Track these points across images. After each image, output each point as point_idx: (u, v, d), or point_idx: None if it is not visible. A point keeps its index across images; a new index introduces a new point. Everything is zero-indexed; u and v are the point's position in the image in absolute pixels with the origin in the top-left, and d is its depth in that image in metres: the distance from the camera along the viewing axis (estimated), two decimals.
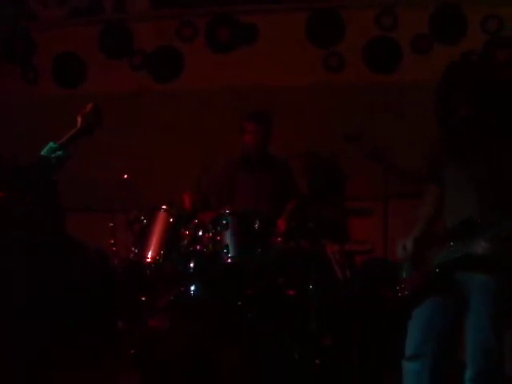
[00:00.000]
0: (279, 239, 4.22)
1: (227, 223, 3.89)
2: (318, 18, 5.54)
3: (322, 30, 5.53)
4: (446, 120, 2.76)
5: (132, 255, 3.97)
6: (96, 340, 4.54)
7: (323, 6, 5.52)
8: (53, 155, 3.05)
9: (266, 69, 5.60)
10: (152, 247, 3.94)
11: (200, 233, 3.94)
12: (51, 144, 3.11)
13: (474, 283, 2.63)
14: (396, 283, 2.92)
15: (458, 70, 2.76)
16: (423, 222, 2.96)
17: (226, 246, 3.86)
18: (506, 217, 2.52)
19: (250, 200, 4.48)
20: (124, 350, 4.14)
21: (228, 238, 3.88)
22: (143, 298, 4.26)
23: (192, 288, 3.87)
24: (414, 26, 5.43)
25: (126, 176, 4.42)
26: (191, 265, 3.89)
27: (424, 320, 2.77)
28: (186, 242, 3.93)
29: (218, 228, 3.90)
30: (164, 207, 4.05)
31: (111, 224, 4.45)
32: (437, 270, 2.69)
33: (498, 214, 2.56)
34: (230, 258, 3.86)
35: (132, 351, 3.90)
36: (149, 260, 3.93)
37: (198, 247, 3.91)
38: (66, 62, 5.90)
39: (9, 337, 4.48)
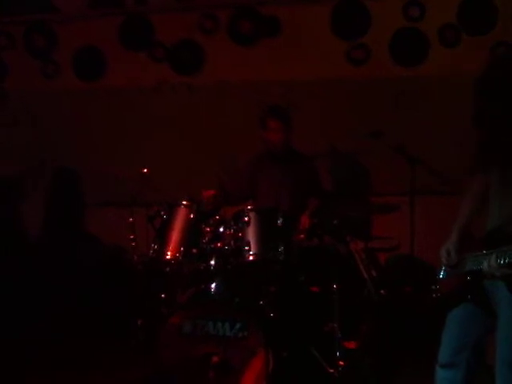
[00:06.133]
0: (302, 236, 4.11)
1: (249, 220, 3.78)
2: (343, 9, 5.41)
3: (347, 22, 5.41)
4: (480, 119, 2.60)
5: (151, 252, 3.88)
6: (112, 337, 4.51)
7: None
8: None
9: (289, 62, 5.50)
10: (172, 244, 3.85)
11: (221, 229, 3.84)
12: None
13: (500, 294, 2.49)
14: (431, 283, 2.83)
15: (500, 66, 2.54)
16: (464, 220, 2.77)
17: (248, 243, 3.75)
18: None
19: (272, 195, 4.40)
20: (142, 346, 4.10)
21: (250, 235, 3.78)
22: (163, 295, 4.19)
23: (213, 286, 3.76)
24: (441, 16, 5.29)
25: (145, 170, 4.35)
26: (212, 262, 3.79)
27: (458, 329, 2.67)
28: (206, 238, 3.83)
29: (240, 224, 3.79)
30: (185, 203, 3.95)
31: (131, 219, 4.39)
32: (468, 278, 2.59)
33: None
34: (251, 255, 3.75)
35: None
36: (168, 257, 3.84)
37: (219, 244, 3.81)
38: (86, 55, 5.86)
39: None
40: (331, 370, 3.80)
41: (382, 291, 4.30)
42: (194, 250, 3.84)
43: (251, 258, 3.75)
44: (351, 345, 4.04)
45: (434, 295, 2.83)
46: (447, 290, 2.74)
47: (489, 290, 2.54)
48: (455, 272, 2.68)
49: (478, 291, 2.56)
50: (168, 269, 3.99)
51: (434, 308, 2.87)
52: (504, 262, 2.32)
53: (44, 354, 4.33)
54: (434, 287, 2.82)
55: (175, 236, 3.87)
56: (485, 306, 2.57)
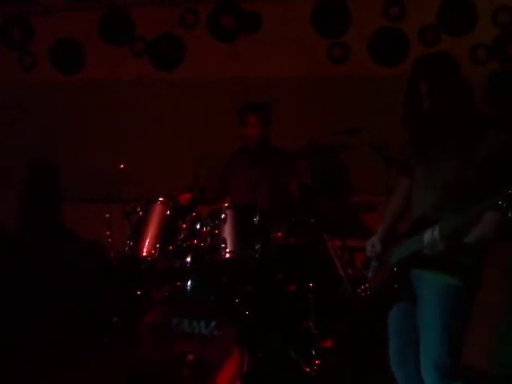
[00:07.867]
0: (279, 234, 4.10)
1: (226, 217, 3.76)
2: (323, 7, 5.41)
3: (327, 20, 5.41)
4: (411, 115, 2.64)
5: (127, 248, 3.85)
6: (89, 334, 4.46)
7: None
8: None
9: (269, 59, 5.50)
10: (148, 240, 3.82)
11: (198, 226, 3.81)
12: None
13: (424, 282, 2.56)
14: (360, 283, 2.93)
15: (422, 64, 2.60)
16: (390, 218, 2.91)
17: (224, 241, 3.73)
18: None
19: (249, 192, 4.38)
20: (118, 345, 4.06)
21: (226, 232, 3.76)
22: (138, 293, 4.17)
23: (188, 283, 3.74)
24: (421, 16, 5.31)
25: (122, 166, 4.31)
26: (188, 259, 3.77)
27: (399, 327, 2.75)
28: (182, 235, 3.80)
29: (216, 222, 3.77)
30: (161, 199, 3.92)
31: (107, 215, 4.35)
32: (395, 269, 2.65)
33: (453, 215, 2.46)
34: (228, 252, 3.73)
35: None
36: (144, 254, 3.81)
37: (196, 241, 3.79)
38: (64, 49, 5.79)
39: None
40: (307, 369, 3.81)
41: (358, 290, 4.31)
42: (170, 247, 3.81)
43: (227, 255, 3.72)
44: (327, 343, 4.05)
45: (365, 294, 2.89)
46: (377, 284, 2.80)
47: (413, 283, 2.60)
48: (383, 266, 2.74)
49: (405, 281, 2.61)
50: (143, 266, 3.96)
51: (367, 306, 2.94)
52: (450, 229, 2.35)
53: (44, 354, 4.26)
54: (364, 286, 2.90)
55: (151, 233, 3.84)
56: (411, 295, 2.61)
